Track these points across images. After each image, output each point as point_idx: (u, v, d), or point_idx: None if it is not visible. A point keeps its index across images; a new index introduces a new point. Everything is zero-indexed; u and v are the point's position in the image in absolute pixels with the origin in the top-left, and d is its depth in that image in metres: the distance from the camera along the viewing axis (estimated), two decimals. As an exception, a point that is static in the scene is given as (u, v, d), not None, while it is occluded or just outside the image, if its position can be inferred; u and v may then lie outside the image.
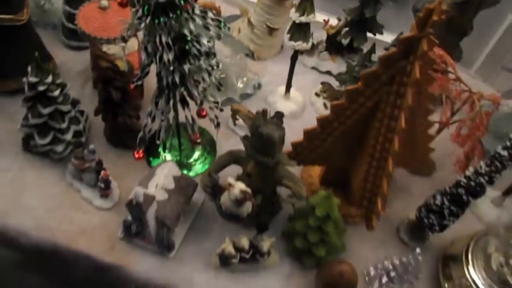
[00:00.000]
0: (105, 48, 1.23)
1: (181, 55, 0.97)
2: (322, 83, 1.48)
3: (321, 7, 1.51)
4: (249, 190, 0.98)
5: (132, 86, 1.08)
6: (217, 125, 1.17)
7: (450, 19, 1.31)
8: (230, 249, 1.05)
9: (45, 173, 1.22)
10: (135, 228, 1.06)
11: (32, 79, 1.07)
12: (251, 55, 1.55)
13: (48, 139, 1.18)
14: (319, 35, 1.58)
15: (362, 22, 1.44)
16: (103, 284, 1.13)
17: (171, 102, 1.06)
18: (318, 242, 1.06)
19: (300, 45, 1.23)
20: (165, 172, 1.09)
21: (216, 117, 1.15)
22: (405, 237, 1.19)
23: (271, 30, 1.49)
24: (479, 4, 1.30)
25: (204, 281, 1.09)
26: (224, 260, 1.07)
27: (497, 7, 1.34)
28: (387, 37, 1.51)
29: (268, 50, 1.57)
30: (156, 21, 0.89)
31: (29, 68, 1.08)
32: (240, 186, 0.98)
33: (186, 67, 0.98)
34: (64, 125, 1.18)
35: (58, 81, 1.12)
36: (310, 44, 1.24)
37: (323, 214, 1.01)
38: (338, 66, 1.55)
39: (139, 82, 1.03)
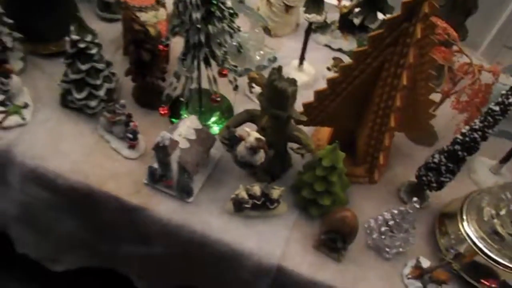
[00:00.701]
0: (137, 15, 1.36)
1: (207, 16, 1.09)
2: (334, 58, 1.58)
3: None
4: (263, 138, 1.09)
5: (161, 46, 1.21)
6: (235, 88, 1.29)
7: (455, -3, 1.40)
8: (243, 194, 1.16)
9: (79, 125, 1.36)
10: (159, 172, 1.18)
11: (74, 37, 1.21)
12: (267, 31, 1.67)
13: (84, 94, 1.31)
14: (332, 16, 1.69)
15: (373, 3, 1.54)
16: (129, 224, 1.25)
17: (195, 61, 1.18)
18: (324, 192, 1.16)
19: (314, 17, 1.34)
20: (187, 124, 1.21)
21: (235, 79, 1.27)
22: (404, 197, 1.29)
23: (288, 8, 1.60)
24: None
25: (219, 224, 1.20)
26: (238, 205, 1.19)
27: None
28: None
29: (284, 27, 1.69)
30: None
31: (71, 27, 1.22)
32: (255, 134, 1.10)
33: (211, 27, 1.10)
34: (98, 82, 1.31)
35: (96, 41, 1.25)
36: (323, 17, 1.35)
37: (329, 165, 1.12)
38: (349, 44, 1.65)
39: (169, 42, 1.16)
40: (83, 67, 1.26)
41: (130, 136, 1.27)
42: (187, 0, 1.03)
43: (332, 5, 1.65)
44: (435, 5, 0.96)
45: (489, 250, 1.08)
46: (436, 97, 1.23)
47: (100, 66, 1.29)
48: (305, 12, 1.34)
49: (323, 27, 1.66)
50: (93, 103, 1.34)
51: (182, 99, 1.25)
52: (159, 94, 1.40)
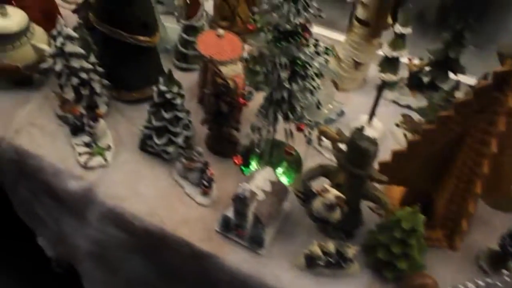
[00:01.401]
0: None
1: (292, 75, 1.14)
2: (403, 115, 1.59)
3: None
4: (343, 196, 1.09)
5: (242, 100, 1.27)
6: (309, 142, 1.31)
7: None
8: (317, 251, 1.15)
9: (155, 169, 1.42)
10: (235, 221, 1.20)
11: (163, 88, 1.29)
12: (335, 85, 1.71)
13: (163, 140, 1.38)
14: (400, 73, 1.71)
15: (445, 63, 1.56)
16: (198, 270, 1.27)
17: (275, 115, 1.23)
18: (401, 255, 1.13)
19: (390, 77, 1.37)
20: (264, 176, 1.23)
21: (310, 133, 1.30)
22: (484, 265, 1.22)
23: (357, 64, 1.65)
24: None
25: (289, 279, 1.19)
26: (310, 261, 1.18)
27: None
28: (468, 78, 1.61)
29: (352, 82, 1.72)
30: (278, 45, 1.07)
31: (160, 79, 1.31)
32: (334, 192, 1.10)
33: (295, 86, 1.15)
34: (178, 130, 1.38)
35: (182, 92, 1.33)
36: (398, 76, 1.37)
37: (409, 227, 1.09)
38: (417, 101, 1.66)
39: (252, 97, 1.22)
40: (167, 115, 1.34)
41: (206, 183, 1.31)
42: (276, 60, 1.09)
43: (402, 63, 1.68)
44: (528, 76, 0.96)
45: None
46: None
47: (182, 115, 1.36)
48: (380, 71, 1.37)
49: (391, 83, 1.68)
50: (170, 149, 1.40)
51: (255, 149, 1.29)
52: (232, 143, 1.46)
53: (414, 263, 1.15)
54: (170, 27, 1.80)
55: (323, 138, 1.49)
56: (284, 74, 1.09)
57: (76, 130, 1.45)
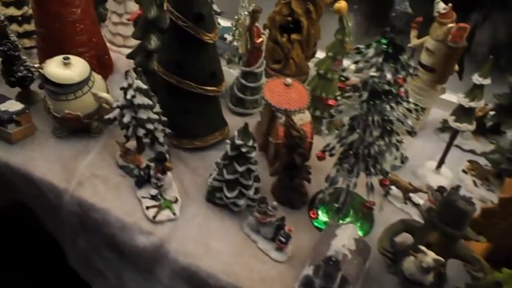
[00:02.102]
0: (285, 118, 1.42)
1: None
2: (470, 161, 1.56)
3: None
4: (442, 259, 1.05)
5: (320, 154, 1.25)
6: (387, 194, 1.28)
7: None
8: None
9: (225, 222, 1.38)
10: (322, 284, 1.15)
11: (239, 142, 1.27)
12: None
13: (235, 193, 1.35)
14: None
15: (510, 107, 1.54)
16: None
17: (358, 170, 1.19)
18: (501, 319, 1.08)
19: (466, 127, 1.34)
20: (348, 234, 1.19)
21: (389, 187, 1.27)
22: None
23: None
24: None
25: None
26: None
27: None
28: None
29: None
30: (372, 103, 1.05)
31: (236, 132, 1.28)
32: (432, 254, 1.06)
33: (383, 142, 1.12)
34: (250, 182, 1.34)
35: (255, 145, 1.31)
36: (474, 126, 1.35)
37: (511, 291, 1.04)
38: (481, 145, 1.63)
39: (334, 152, 1.19)
40: (240, 168, 1.30)
41: (283, 239, 1.27)
42: (369, 119, 1.07)
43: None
44: None
45: None
46: None
47: (254, 167, 1.33)
48: (455, 121, 1.35)
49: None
50: (241, 202, 1.36)
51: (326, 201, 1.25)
52: (301, 194, 1.43)
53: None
54: (225, 71, 1.79)
55: (392, 187, 1.46)
56: (376, 132, 1.07)
57: (141, 182, 1.42)
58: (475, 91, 1.29)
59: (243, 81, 1.66)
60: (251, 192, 1.36)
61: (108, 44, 1.93)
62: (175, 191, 1.42)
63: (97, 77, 1.59)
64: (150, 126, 1.42)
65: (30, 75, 1.63)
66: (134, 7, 1.98)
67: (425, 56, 1.51)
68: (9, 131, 1.52)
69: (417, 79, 1.56)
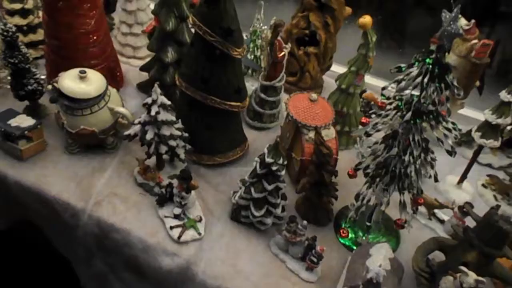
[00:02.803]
0: (311, 134, 1.40)
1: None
2: (490, 175, 1.56)
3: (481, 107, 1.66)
4: (484, 280, 1.04)
5: (351, 171, 1.23)
6: (415, 211, 1.27)
7: None
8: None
9: (252, 241, 1.34)
10: (360, 306, 1.12)
11: (269, 160, 1.23)
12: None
13: (262, 212, 1.31)
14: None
15: (528, 122, 1.55)
16: None
17: (392, 189, 1.18)
18: None
19: (492, 143, 1.35)
20: (383, 254, 1.17)
21: (418, 205, 1.26)
22: None
23: (437, 124, 1.63)
24: None
25: None
26: None
27: None
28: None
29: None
30: (413, 122, 1.04)
31: (265, 149, 1.25)
32: (473, 275, 1.05)
33: (419, 161, 1.11)
34: (278, 201, 1.31)
35: (285, 163, 1.28)
36: (499, 142, 1.35)
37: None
38: (498, 159, 1.64)
39: (369, 171, 1.17)
40: (269, 187, 1.27)
41: (314, 259, 1.24)
42: (410, 137, 1.06)
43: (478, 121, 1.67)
44: None
45: None
46: None
47: (282, 185, 1.30)
48: (482, 137, 1.35)
49: (469, 141, 1.67)
50: (268, 220, 1.33)
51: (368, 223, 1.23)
52: (328, 212, 1.40)
53: None
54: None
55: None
56: (416, 152, 1.06)
57: (163, 200, 1.37)
58: (502, 108, 1.30)
59: (262, 95, 1.63)
60: (278, 211, 1.33)
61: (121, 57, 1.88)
62: (198, 210, 1.38)
63: (112, 91, 1.53)
64: (172, 142, 1.37)
65: (40, 88, 1.56)
66: (145, 17, 1.94)
67: (446, 71, 1.52)
68: (20, 147, 1.44)
69: (437, 94, 1.57)
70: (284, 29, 1.78)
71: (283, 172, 1.27)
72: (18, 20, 1.77)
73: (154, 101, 1.30)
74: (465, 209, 1.26)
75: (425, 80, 0.97)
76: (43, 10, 1.58)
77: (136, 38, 1.94)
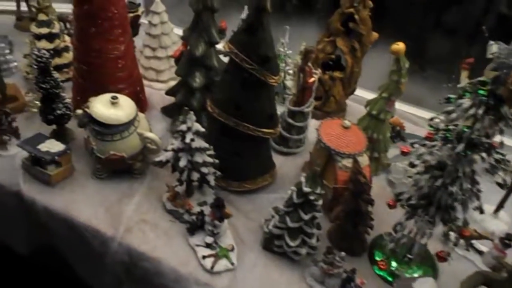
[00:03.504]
0: (345, 162, 1.38)
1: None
2: (525, 204, 1.53)
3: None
4: (537, 318, 1.00)
5: (393, 202, 1.20)
6: (457, 243, 1.23)
7: None
8: None
9: (285, 272, 1.30)
10: None
11: (307, 189, 1.21)
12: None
13: (297, 242, 1.28)
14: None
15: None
16: None
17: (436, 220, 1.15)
18: None
19: (530, 172, 1.32)
20: (427, 288, 1.14)
21: (459, 236, 1.22)
22: None
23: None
24: None
25: None
26: None
27: None
28: None
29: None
30: (464, 154, 1.01)
31: (302, 178, 1.23)
32: (526, 313, 1.01)
33: (460, 193, 1.09)
34: (314, 231, 1.28)
35: (323, 192, 1.25)
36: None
37: None
38: (531, 186, 1.61)
39: (412, 203, 1.14)
40: (306, 216, 1.24)
41: (354, 293, 1.20)
42: (460, 169, 1.03)
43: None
44: None
45: None
46: None
47: (318, 215, 1.27)
48: (520, 166, 1.33)
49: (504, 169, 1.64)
50: (303, 251, 1.30)
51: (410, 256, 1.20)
52: (363, 241, 1.37)
53: None
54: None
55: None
56: (466, 185, 1.03)
57: (194, 228, 1.34)
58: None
59: (290, 120, 1.62)
60: (313, 241, 1.29)
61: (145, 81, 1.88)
62: (230, 238, 1.35)
63: (141, 116, 1.52)
64: (204, 169, 1.35)
65: (68, 112, 1.55)
66: (168, 41, 1.95)
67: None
68: (49, 172, 1.43)
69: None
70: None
71: (320, 202, 1.24)
72: (45, 44, 1.78)
73: (189, 128, 1.28)
74: (507, 241, 1.22)
75: (480, 111, 0.95)
76: (74, 35, 1.59)
77: (160, 62, 1.94)
